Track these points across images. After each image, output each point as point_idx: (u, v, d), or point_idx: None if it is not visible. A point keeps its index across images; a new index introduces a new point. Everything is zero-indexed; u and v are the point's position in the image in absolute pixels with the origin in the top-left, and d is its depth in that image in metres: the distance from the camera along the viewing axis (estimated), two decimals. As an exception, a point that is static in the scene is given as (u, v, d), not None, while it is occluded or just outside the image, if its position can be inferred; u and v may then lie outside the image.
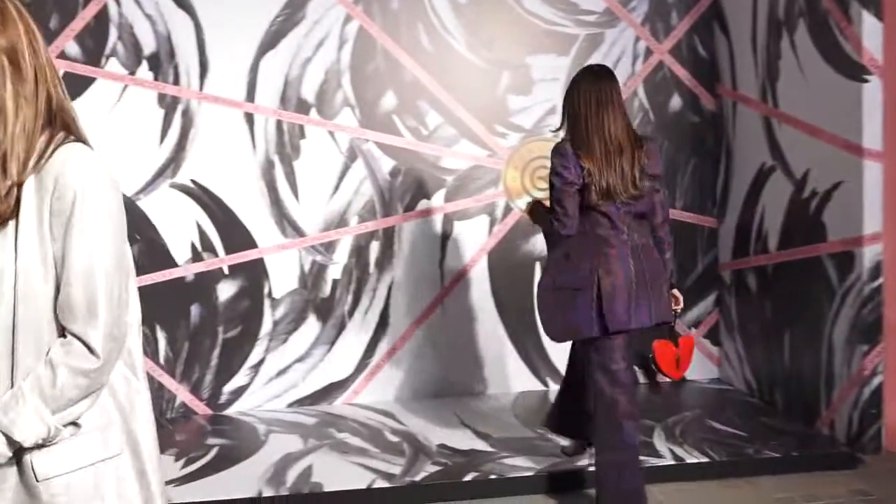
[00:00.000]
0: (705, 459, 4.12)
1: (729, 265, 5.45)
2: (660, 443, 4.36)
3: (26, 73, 1.54)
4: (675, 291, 3.63)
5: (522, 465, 4.09)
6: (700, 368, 5.59)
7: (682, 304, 3.67)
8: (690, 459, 4.13)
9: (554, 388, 5.30)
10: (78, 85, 4.96)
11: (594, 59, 5.37)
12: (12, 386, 1.53)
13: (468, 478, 3.98)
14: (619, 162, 3.30)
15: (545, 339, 5.23)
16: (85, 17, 4.97)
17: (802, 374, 4.69)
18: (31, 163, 1.52)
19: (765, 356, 5.07)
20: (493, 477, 3.98)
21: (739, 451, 4.21)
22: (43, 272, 1.52)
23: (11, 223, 1.51)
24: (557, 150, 3.36)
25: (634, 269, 3.33)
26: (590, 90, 3.36)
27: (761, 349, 5.11)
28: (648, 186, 3.38)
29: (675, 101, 5.52)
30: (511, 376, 5.38)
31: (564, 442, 4.28)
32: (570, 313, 3.37)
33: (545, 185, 4.20)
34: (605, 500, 3.40)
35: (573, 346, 4.05)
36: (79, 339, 1.54)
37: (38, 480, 1.54)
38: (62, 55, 4.94)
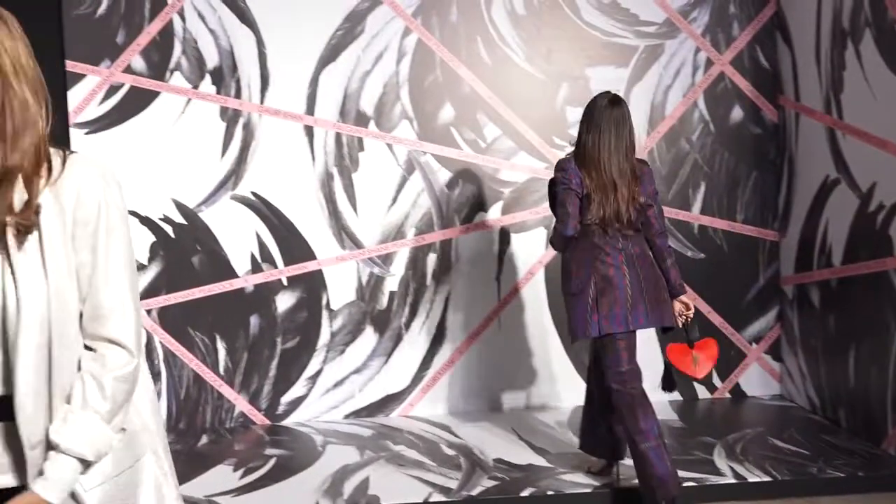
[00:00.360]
0: (767, 478, 4.05)
1: (791, 279, 5.35)
2: (720, 460, 4.30)
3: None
4: (684, 298, 3.81)
5: (581, 482, 4.06)
6: (761, 384, 5.51)
7: (692, 311, 3.84)
8: (752, 478, 4.05)
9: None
10: (143, 98, 5.07)
11: (654, 71, 5.35)
12: (49, 401, 1.53)
13: (525, 493, 3.96)
14: (616, 196, 3.58)
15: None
16: (151, 32, 5.07)
17: (868, 392, 4.58)
18: (45, 177, 1.54)
19: (828, 372, 4.97)
20: (550, 493, 3.96)
21: (802, 471, 4.13)
22: (72, 287, 1.54)
23: (35, 242, 1.51)
24: (560, 165, 3.70)
25: (629, 275, 3.61)
26: (593, 119, 3.65)
27: (825, 365, 5.00)
28: (643, 203, 3.65)
29: (737, 113, 5.44)
30: (568, 391, 5.33)
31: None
32: (572, 316, 3.70)
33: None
34: (643, 488, 3.61)
35: (589, 367, 4.16)
36: (113, 343, 1.57)
37: (85, 490, 1.56)
38: (128, 69, 5.05)
